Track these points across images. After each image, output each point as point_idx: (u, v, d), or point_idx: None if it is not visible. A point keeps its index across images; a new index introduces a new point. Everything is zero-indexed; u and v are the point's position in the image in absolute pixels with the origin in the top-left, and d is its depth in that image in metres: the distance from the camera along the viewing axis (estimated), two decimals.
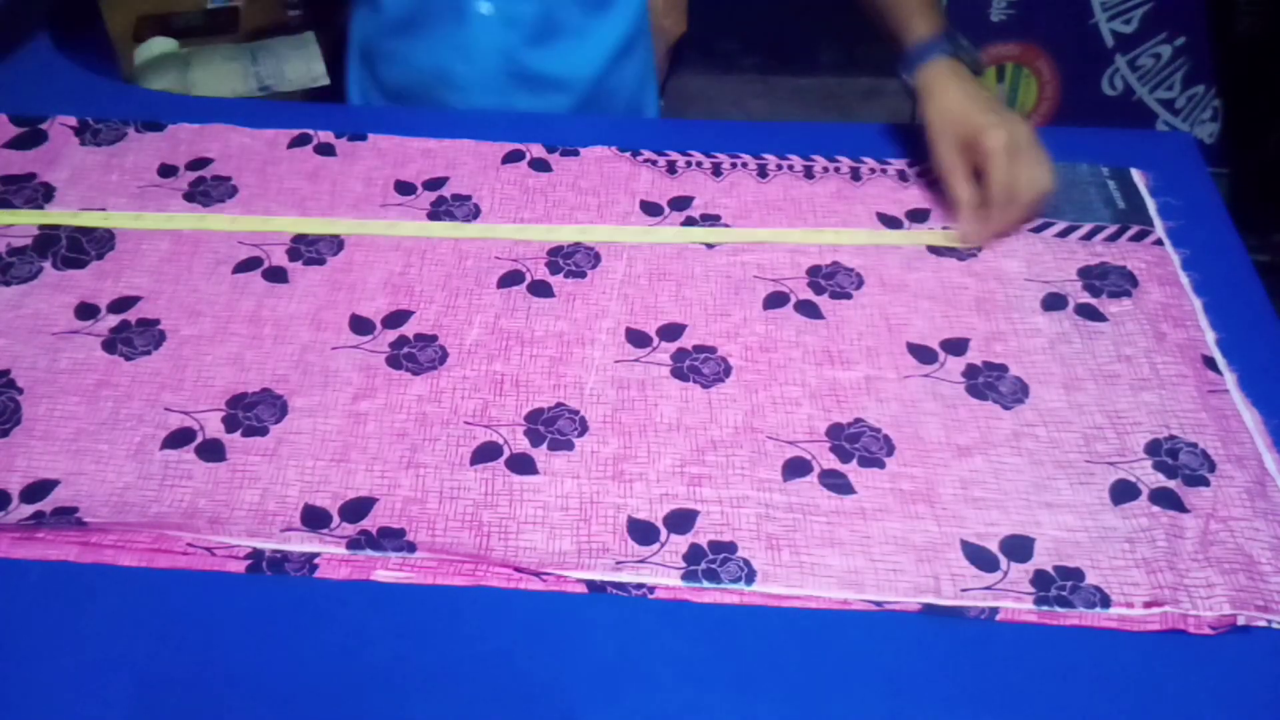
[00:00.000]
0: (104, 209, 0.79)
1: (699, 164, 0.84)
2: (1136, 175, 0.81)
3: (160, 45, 1.56)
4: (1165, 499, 0.60)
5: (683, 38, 1.22)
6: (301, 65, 1.57)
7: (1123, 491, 0.61)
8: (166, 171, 0.83)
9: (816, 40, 2.09)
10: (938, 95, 0.77)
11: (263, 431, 0.65)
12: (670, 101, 1.12)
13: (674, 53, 1.20)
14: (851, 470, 0.62)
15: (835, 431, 0.64)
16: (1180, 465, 0.62)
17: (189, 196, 0.81)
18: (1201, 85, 1.84)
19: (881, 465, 0.62)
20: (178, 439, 0.65)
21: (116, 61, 1.26)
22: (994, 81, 1.94)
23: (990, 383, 0.67)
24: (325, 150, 0.85)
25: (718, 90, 2.09)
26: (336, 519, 0.60)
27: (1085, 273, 0.74)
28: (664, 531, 0.59)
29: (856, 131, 0.93)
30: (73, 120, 0.87)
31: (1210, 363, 0.68)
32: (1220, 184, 1.27)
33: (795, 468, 0.62)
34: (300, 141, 0.86)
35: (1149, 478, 0.61)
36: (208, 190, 0.81)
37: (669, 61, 1.21)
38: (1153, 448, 0.63)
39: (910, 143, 0.86)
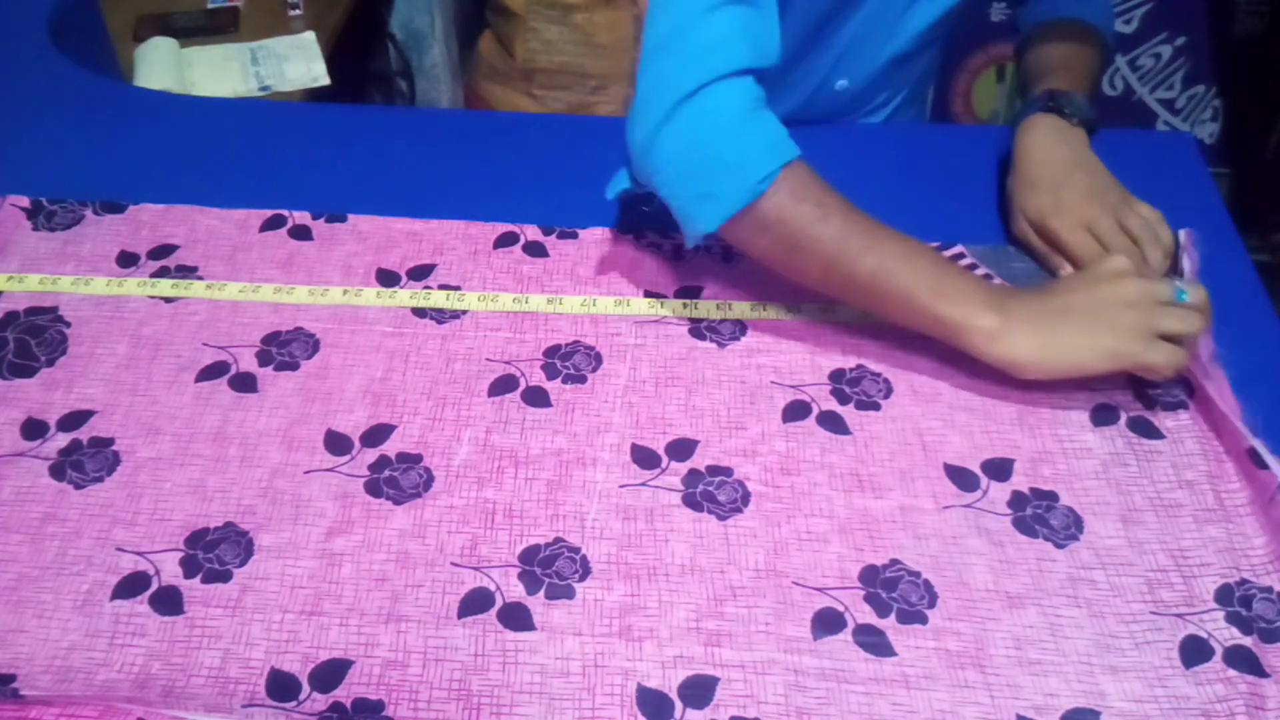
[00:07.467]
0: (55, 306, 0.72)
1: (708, 248, 0.77)
2: (1183, 235, 0.73)
3: (160, 45, 1.55)
4: (1242, 660, 0.53)
5: None
6: (301, 65, 1.58)
7: (1194, 650, 0.54)
8: (126, 260, 0.76)
9: None
10: (1022, 161, 0.75)
11: (225, 576, 0.58)
12: None
13: None
14: (890, 626, 0.55)
15: (869, 576, 0.57)
16: (1255, 617, 0.55)
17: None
18: (1201, 85, 1.83)
19: (924, 620, 0.55)
20: (130, 586, 0.58)
21: (116, 61, 1.24)
22: (994, 81, 1.91)
23: (1040, 515, 0.60)
24: (301, 234, 0.78)
25: None
26: (306, 688, 0.53)
27: (1137, 376, 0.67)
28: (679, 705, 0.52)
29: (856, 131, 0.90)
30: (25, 200, 0.80)
31: (1256, 458, 0.60)
32: (1220, 184, 1.27)
33: (826, 622, 0.55)
34: (273, 224, 0.79)
35: (1222, 633, 0.54)
36: (171, 281, 0.74)
37: None
38: (1223, 595, 0.56)
39: (910, 144, 0.83)
